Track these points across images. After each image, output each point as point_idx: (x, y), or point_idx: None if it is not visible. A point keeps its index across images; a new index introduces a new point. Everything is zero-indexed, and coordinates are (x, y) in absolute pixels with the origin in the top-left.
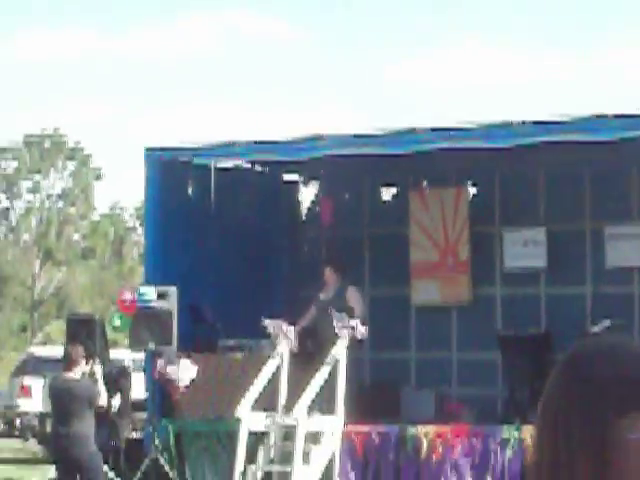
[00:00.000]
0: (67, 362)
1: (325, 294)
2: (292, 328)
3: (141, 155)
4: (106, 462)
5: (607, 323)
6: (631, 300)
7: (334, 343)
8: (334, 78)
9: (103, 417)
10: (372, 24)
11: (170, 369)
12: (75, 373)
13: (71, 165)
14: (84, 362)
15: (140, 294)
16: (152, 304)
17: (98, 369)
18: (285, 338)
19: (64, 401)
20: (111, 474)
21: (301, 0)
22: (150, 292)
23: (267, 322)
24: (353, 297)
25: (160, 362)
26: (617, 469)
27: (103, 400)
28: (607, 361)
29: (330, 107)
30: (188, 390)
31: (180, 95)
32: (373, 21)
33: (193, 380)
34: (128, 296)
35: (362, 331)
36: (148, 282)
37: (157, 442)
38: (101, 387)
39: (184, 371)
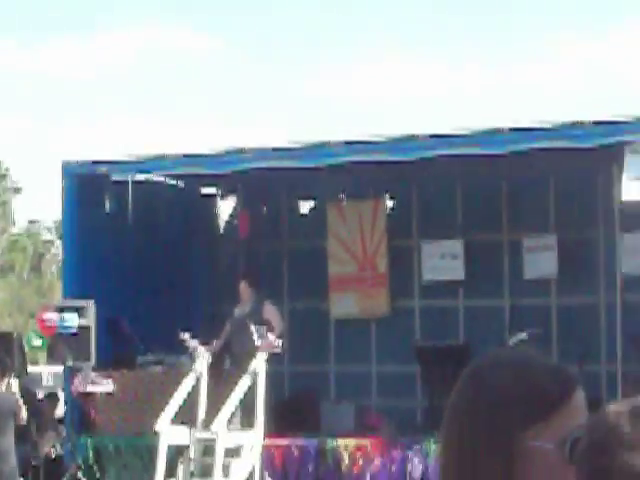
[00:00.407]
0: None
1: (240, 309)
2: (203, 349)
3: (59, 169)
4: (26, 479)
5: (524, 334)
6: (548, 311)
7: (251, 357)
8: (254, 92)
9: (24, 433)
10: (293, 39)
11: (87, 386)
12: None
13: None
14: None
15: (62, 320)
16: (73, 330)
17: (15, 384)
18: (201, 355)
19: None
20: None
21: (221, 14)
22: (72, 319)
23: (185, 335)
24: (270, 312)
25: (77, 379)
26: (521, 475)
27: (24, 415)
28: (512, 373)
29: (250, 121)
30: (106, 406)
31: (99, 109)
32: (294, 36)
33: (110, 395)
34: (49, 316)
35: (279, 345)
36: (66, 296)
37: (76, 458)
38: (20, 402)
39: (99, 387)
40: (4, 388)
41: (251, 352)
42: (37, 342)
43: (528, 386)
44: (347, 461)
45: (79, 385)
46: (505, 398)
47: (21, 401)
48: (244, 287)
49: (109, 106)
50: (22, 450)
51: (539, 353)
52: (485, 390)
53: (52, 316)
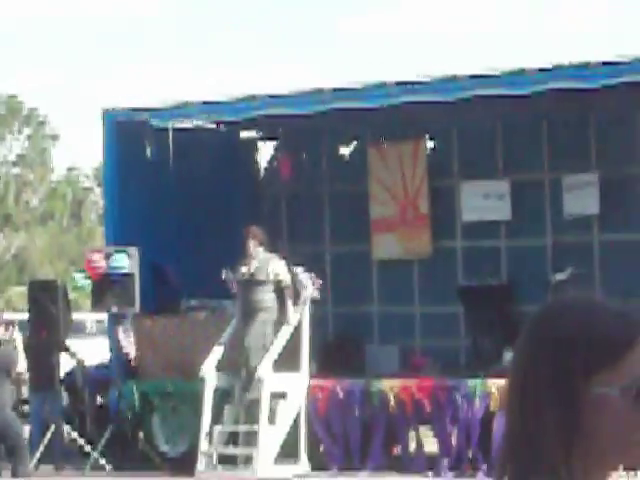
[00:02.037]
0: None
1: (247, 267)
2: None
3: (97, 117)
4: (72, 427)
5: (567, 273)
6: (590, 249)
7: (259, 312)
8: (287, 32)
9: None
10: None
11: (125, 340)
12: None
13: (27, 130)
14: (3, 329)
15: (114, 261)
16: (124, 271)
17: (18, 336)
18: None
19: None
20: (80, 440)
21: None
22: (122, 259)
23: (227, 273)
24: (279, 267)
25: (120, 331)
26: (587, 423)
27: (21, 367)
28: (577, 319)
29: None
30: (151, 352)
31: (131, 57)
32: None
33: (154, 341)
34: (97, 258)
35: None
36: (109, 243)
37: (122, 404)
38: (20, 354)
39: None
40: (7, 340)
41: (258, 311)
42: (81, 283)
43: (593, 332)
44: (393, 402)
45: (123, 339)
46: (569, 344)
47: (22, 355)
48: (252, 245)
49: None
50: (69, 399)
51: (603, 298)
52: (549, 337)
53: (99, 258)
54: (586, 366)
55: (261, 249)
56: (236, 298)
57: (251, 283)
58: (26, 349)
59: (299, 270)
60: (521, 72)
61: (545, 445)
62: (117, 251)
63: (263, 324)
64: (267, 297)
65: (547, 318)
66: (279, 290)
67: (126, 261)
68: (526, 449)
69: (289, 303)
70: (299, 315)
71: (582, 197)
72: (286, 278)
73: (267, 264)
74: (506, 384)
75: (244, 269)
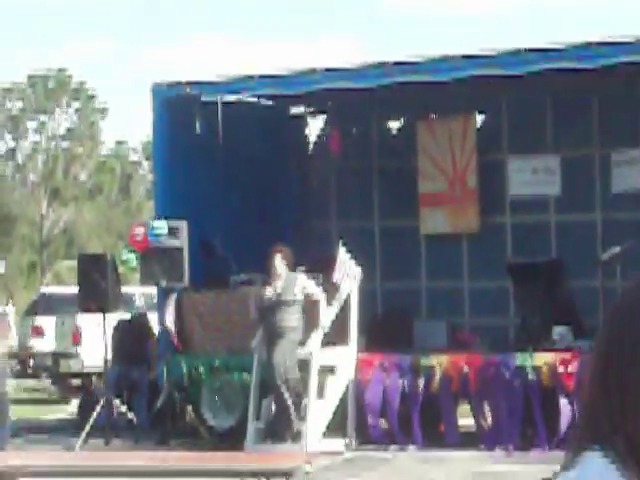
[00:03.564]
0: None
1: (272, 288)
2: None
3: (146, 91)
4: (119, 397)
5: (617, 249)
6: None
7: (286, 332)
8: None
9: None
10: None
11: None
12: None
13: (76, 104)
14: None
15: (152, 228)
16: (164, 239)
17: (11, 310)
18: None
19: None
20: (129, 414)
21: None
22: (162, 226)
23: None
24: (306, 282)
25: (169, 311)
26: None
27: (13, 340)
28: None
29: (329, 37)
30: (200, 326)
31: (181, 29)
32: None
33: (203, 315)
34: (140, 231)
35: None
36: (158, 218)
37: (171, 378)
38: (13, 327)
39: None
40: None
41: (285, 332)
42: (126, 257)
43: None
44: (441, 377)
45: (168, 314)
46: None
47: (14, 329)
48: (278, 261)
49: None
50: (140, 370)
51: None
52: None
53: (141, 229)
54: None
55: (286, 268)
56: (259, 322)
57: (278, 304)
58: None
59: (343, 251)
60: (571, 47)
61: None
62: (157, 219)
63: (291, 343)
64: (294, 317)
65: (632, 305)
66: (308, 307)
67: (165, 228)
68: (606, 418)
69: (322, 305)
70: (330, 317)
71: (630, 173)
72: (315, 292)
73: (293, 283)
74: (592, 356)
75: (269, 291)
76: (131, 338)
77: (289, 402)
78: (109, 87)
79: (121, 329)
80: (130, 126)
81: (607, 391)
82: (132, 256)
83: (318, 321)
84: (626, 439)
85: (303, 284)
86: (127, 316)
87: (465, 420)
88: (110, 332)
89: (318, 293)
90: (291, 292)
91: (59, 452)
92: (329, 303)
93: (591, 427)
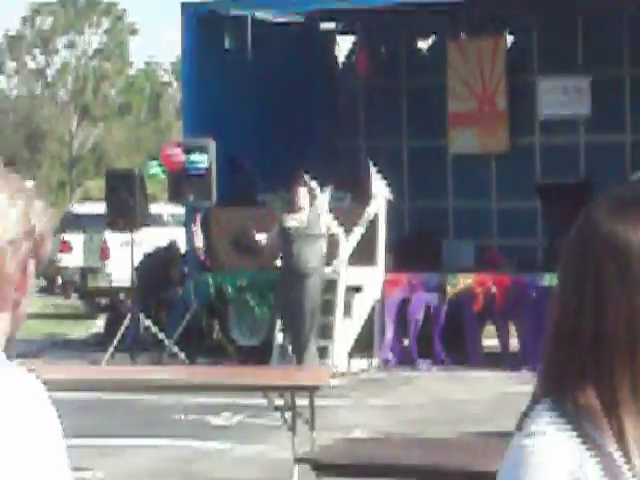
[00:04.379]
0: None
1: (296, 219)
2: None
3: (176, 10)
4: (149, 316)
5: None
6: None
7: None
8: None
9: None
10: None
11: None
12: None
13: (106, 21)
14: None
15: (192, 162)
16: (202, 171)
17: None
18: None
19: None
20: (154, 329)
21: None
22: (202, 159)
23: (305, 177)
24: (330, 221)
25: (196, 226)
26: None
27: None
28: (634, 212)
29: None
30: (227, 245)
31: None
32: None
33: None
34: (176, 152)
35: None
36: (186, 135)
37: (198, 296)
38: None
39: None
40: None
41: (310, 272)
42: (154, 171)
43: None
44: (466, 296)
45: (197, 233)
46: (629, 244)
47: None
48: (303, 194)
49: None
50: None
51: None
52: (607, 240)
53: (178, 152)
54: None
55: (309, 202)
56: (284, 251)
57: (303, 238)
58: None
59: (375, 173)
60: None
61: (605, 353)
62: (194, 150)
63: (315, 284)
64: (319, 256)
65: (598, 214)
66: (331, 244)
67: (204, 161)
68: (579, 356)
69: (342, 244)
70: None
71: None
72: (338, 231)
73: (318, 219)
74: (561, 266)
75: (293, 221)
76: (160, 268)
77: (311, 336)
78: (140, 7)
79: (151, 259)
80: (160, 46)
81: (576, 337)
82: (159, 170)
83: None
84: (588, 397)
85: (327, 222)
86: (154, 234)
87: (490, 341)
88: (139, 258)
89: (340, 232)
90: (317, 227)
91: (84, 366)
92: (357, 223)
93: (551, 376)
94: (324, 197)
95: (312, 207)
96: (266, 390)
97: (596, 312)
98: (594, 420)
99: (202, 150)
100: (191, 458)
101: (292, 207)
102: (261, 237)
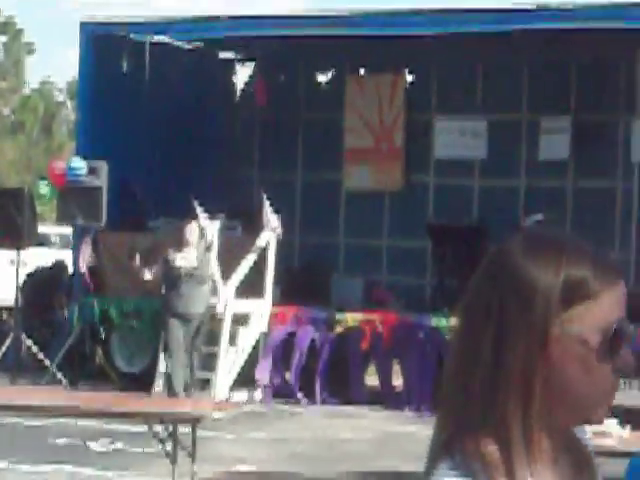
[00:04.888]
0: None
1: (186, 258)
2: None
3: (74, 30)
4: (31, 337)
5: (539, 216)
6: (563, 193)
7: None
8: None
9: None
10: None
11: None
12: None
13: (3, 39)
14: None
15: (71, 168)
16: (83, 178)
17: None
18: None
19: None
20: (36, 350)
21: None
22: (81, 165)
23: (197, 206)
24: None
25: (84, 253)
26: (552, 361)
27: None
28: (547, 258)
29: None
30: (114, 270)
31: None
32: None
33: (119, 258)
34: (60, 166)
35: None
36: (79, 157)
37: (82, 320)
38: None
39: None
40: None
41: (194, 315)
42: (44, 191)
43: (564, 273)
44: (353, 334)
45: (84, 255)
46: (540, 278)
47: None
48: (192, 228)
49: None
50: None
51: (574, 236)
52: (517, 276)
53: (62, 164)
54: (560, 301)
55: (198, 240)
56: (168, 289)
57: (193, 279)
58: None
59: (268, 205)
60: (505, 11)
61: (500, 394)
62: (75, 155)
63: (198, 334)
64: (205, 300)
65: (517, 250)
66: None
67: (84, 168)
68: (475, 399)
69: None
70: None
71: (556, 141)
72: (218, 276)
73: (208, 257)
74: (460, 316)
75: (183, 260)
76: (45, 288)
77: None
78: (38, 25)
79: (35, 278)
80: (56, 66)
81: (479, 366)
82: (49, 189)
83: (232, 273)
84: (487, 444)
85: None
86: (41, 254)
87: (374, 380)
88: (24, 278)
89: (218, 277)
90: (206, 269)
91: None
92: (247, 253)
93: (452, 419)
94: (214, 228)
95: (200, 243)
96: (148, 418)
97: (495, 350)
98: (489, 471)
99: (90, 171)
100: None
101: (179, 241)
102: (148, 275)
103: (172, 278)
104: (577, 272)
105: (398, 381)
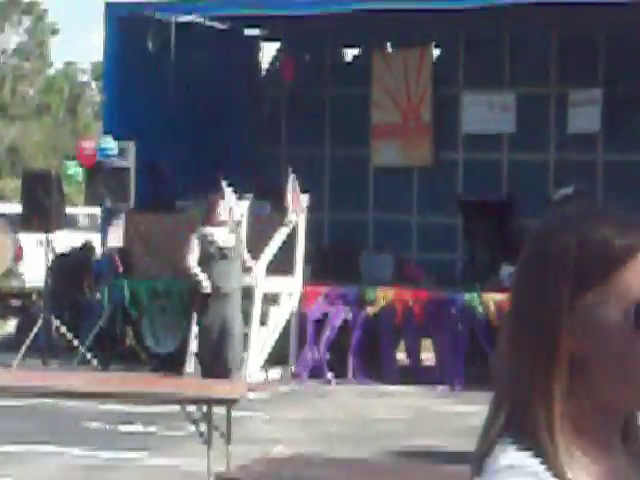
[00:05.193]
0: None
1: (225, 238)
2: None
3: (99, 10)
4: (62, 319)
5: (569, 190)
6: (593, 166)
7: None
8: None
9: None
10: None
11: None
12: None
13: (27, 20)
14: None
15: (102, 148)
16: (113, 159)
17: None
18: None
19: None
20: (67, 332)
21: None
22: (112, 145)
23: (225, 186)
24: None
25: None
26: (577, 339)
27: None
28: (573, 228)
29: None
30: (145, 249)
31: None
32: None
33: (148, 238)
34: (89, 146)
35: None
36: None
37: (112, 302)
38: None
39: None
40: None
41: (232, 291)
42: (72, 171)
43: (587, 241)
44: (384, 311)
45: (113, 237)
46: (561, 255)
47: None
48: (224, 206)
49: None
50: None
51: (607, 207)
52: (541, 250)
53: (91, 143)
54: (578, 279)
55: (230, 217)
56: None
57: (224, 256)
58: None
59: (292, 186)
60: None
61: (547, 374)
62: (105, 133)
63: (238, 302)
64: (238, 275)
65: (542, 232)
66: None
67: (115, 147)
68: (524, 380)
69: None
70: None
71: (586, 114)
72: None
73: (240, 235)
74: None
75: (220, 240)
76: (75, 270)
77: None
78: (61, 7)
79: (64, 260)
80: (80, 47)
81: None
82: (78, 170)
83: (263, 250)
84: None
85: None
86: (69, 236)
87: (404, 358)
88: (52, 259)
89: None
90: (240, 247)
91: None
92: (277, 232)
93: (508, 401)
94: (243, 207)
95: (230, 222)
96: (182, 402)
97: (542, 330)
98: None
99: (120, 153)
100: (101, 467)
101: (211, 219)
102: (192, 262)
103: (209, 255)
104: (602, 241)
105: (427, 357)
